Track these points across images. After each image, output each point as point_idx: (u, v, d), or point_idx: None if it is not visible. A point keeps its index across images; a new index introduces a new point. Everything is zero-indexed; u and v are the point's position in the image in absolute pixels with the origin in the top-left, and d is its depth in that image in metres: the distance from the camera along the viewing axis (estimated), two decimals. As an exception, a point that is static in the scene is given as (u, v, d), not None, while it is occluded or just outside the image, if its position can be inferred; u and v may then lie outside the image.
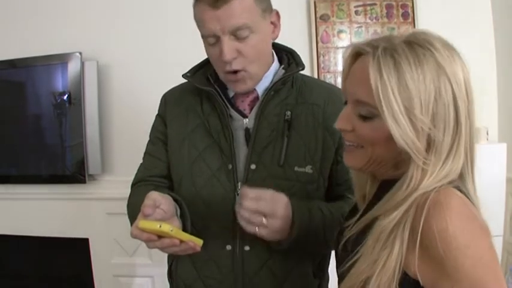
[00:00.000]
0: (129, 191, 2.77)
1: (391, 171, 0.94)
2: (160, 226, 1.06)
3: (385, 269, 0.85)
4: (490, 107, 2.97)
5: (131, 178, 2.88)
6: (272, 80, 1.40)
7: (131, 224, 1.33)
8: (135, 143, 2.83)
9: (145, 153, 1.55)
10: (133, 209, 1.32)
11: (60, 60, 2.80)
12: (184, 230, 1.20)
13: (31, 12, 2.92)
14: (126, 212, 2.89)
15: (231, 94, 1.41)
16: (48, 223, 2.89)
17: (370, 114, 0.89)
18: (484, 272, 0.81)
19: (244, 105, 1.40)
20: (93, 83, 2.80)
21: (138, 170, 1.55)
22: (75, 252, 2.92)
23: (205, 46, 1.33)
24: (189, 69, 1.47)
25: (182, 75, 1.44)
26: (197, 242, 1.14)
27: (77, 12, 2.88)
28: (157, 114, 1.53)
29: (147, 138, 2.86)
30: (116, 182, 2.88)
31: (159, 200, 1.14)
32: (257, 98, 1.40)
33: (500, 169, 2.62)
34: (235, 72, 1.30)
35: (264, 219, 1.16)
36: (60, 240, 2.89)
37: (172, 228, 1.08)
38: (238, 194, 1.30)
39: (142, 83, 2.84)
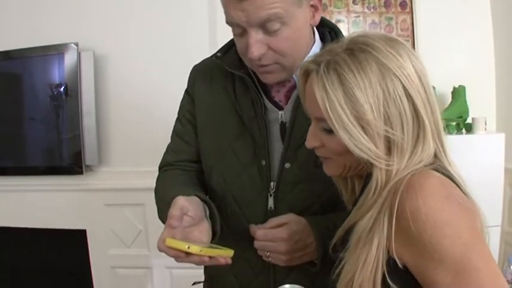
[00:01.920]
0: (126, 182, 2.81)
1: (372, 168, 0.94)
2: (188, 247, 1.01)
3: (367, 263, 0.86)
4: (488, 97, 2.97)
5: (128, 169, 2.89)
6: None
7: (158, 212, 1.31)
8: (132, 134, 2.85)
9: (173, 132, 1.43)
10: (161, 201, 1.29)
11: (57, 51, 2.79)
12: (214, 230, 1.16)
13: (26, 2, 2.91)
14: (123, 202, 2.90)
15: None
16: (45, 214, 2.89)
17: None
18: (465, 249, 0.80)
19: (280, 95, 1.26)
20: (90, 74, 2.79)
21: (166, 150, 1.44)
22: (72, 243, 2.92)
23: (232, 33, 1.19)
24: (220, 47, 1.32)
25: (212, 56, 1.31)
26: (227, 254, 1.09)
27: (73, 2, 2.87)
28: (185, 91, 1.41)
29: (145, 129, 2.85)
30: (113, 173, 2.89)
31: (186, 207, 1.08)
32: (295, 86, 1.25)
33: (498, 159, 2.62)
34: (266, 64, 1.17)
35: (268, 253, 1.18)
36: (57, 232, 2.89)
37: (200, 249, 1.03)
38: (271, 195, 1.24)
39: (139, 73, 2.83)
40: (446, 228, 0.80)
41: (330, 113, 0.86)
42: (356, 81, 0.85)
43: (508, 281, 1.68)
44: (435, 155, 0.91)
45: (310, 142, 0.99)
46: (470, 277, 0.79)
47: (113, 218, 2.86)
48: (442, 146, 0.93)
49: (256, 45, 1.11)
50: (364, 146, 0.86)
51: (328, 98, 0.86)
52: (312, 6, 1.17)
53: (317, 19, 1.20)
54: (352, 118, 0.85)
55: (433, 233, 0.80)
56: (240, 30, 1.13)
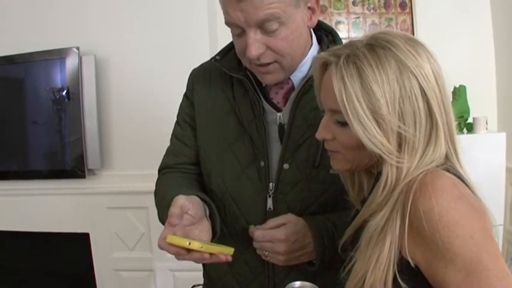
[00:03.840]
0: (128, 185, 2.81)
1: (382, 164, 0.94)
2: (189, 243, 1.02)
3: (379, 263, 0.87)
4: (489, 96, 2.97)
5: (130, 172, 2.90)
6: (310, 67, 1.23)
7: (158, 214, 1.32)
8: (134, 137, 2.86)
9: (172, 136, 1.45)
10: (160, 202, 1.30)
11: (58, 55, 2.80)
12: (214, 230, 1.17)
13: (28, 7, 2.91)
14: (126, 206, 2.91)
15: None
16: (48, 218, 2.89)
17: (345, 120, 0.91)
18: (476, 249, 0.81)
19: (278, 97, 1.28)
20: (91, 78, 2.79)
21: (166, 153, 1.46)
22: (75, 247, 2.93)
23: (231, 34, 1.21)
24: (219, 50, 1.34)
25: (211, 59, 1.33)
26: (228, 252, 1.10)
27: (74, 7, 2.88)
28: (184, 94, 1.43)
29: (146, 132, 2.85)
30: (115, 176, 2.89)
31: (186, 205, 1.09)
32: (293, 88, 1.27)
33: (500, 159, 2.63)
34: (265, 64, 1.18)
35: (266, 253, 1.20)
36: (60, 236, 2.89)
37: (201, 245, 1.04)
38: (270, 196, 1.25)
39: (140, 76, 2.84)
40: (459, 228, 0.81)
41: (346, 105, 0.88)
42: (374, 75, 0.87)
43: None
44: (446, 157, 0.92)
45: (321, 134, 0.99)
46: (480, 277, 0.80)
47: (115, 221, 2.87)
48: (454, 148, 0.94)
49: (255, 45, 1.13)
50: (377, 140, 0.87)
51: (345, 90, 0.88)
52: (309, 8, 1.19)
53: (314, 21, 1.23)
54: (368, 111, 0.87)
55: (446, 233, 0.81)
56: (239, 31, 1.15)
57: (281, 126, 1.26)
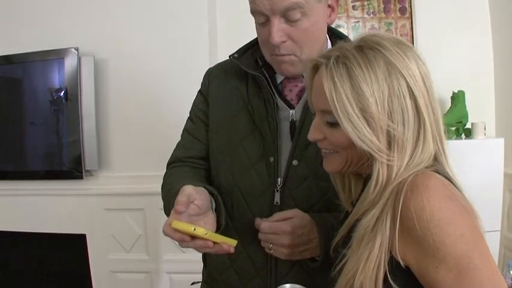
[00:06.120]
0: (125, 186, 2.81)
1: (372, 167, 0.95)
2: (194, 229, 1.03)
3: (369, 262, 0.87)
4: (488, 102, 2.98)
5: (128, 174, 2.89)
6: None
7: (164, 207, 1.34)
8: (132, 139, 2.86)
9: (184, 131, 1.48)
10: (167, 194, 1.32)
11: (57, 55, 2.80)
12: (218, 223, 1.19)
13: (27, 7, 2.92)
14: (123, 207, 2.90)
15: (279, 80, 1.34)
16: (45, 219, 2.89)
17: (336, 120, 0.93)
18: (467, 248, 0.82)
19: (292, 94, 1.33)
20: (90, 79, 2.79)
21: (176, 147, 1.48)
22: (72, 248, 2.92)
23: (255, 24, 1.27)
24: (237, 49, 1.40)
25: (229, 56, 1.38)
26: (231, 243, 1.11)
27: (73, 7, 2.88)
28: (199, 91, 1.47)
29: (144, 134, 2.85)
30: (113, 178, 2.89)
31: (193, 195, 1.11)
32: None
33: (498, 164, 2.63)
34: (284, 54, 1.25)
35: (270, 245, 1.21)
36: (57, 236, 2.88)
37: (206, 231, 1.05)
38: (278, 190, 1.28)
39: (139, 78, 2.84)
40: (449, 227, 0.82)
41: (336, 104, 0.90)
42: (363, 75, 0.89)
43: (508, 286, 1.68)
44: (435, 158, 0.94)
45: (313, 135, 1.02)
46: (471, 276, 0.81)
47: (112, 222, 2.86)
48: (443, 148, 0.95)
49: (278, 33, 1.19)
50: (366, 138, 0.89)
51: (335, 90, 0.90)
52: (329, 6, 1.27)
53: (333, 18, 1.30)
54: (358, 110, 0.89)
55: (437, 232, 0.82)
56: (263, 19, 1.21)
57: (293, 123, 1.30)
